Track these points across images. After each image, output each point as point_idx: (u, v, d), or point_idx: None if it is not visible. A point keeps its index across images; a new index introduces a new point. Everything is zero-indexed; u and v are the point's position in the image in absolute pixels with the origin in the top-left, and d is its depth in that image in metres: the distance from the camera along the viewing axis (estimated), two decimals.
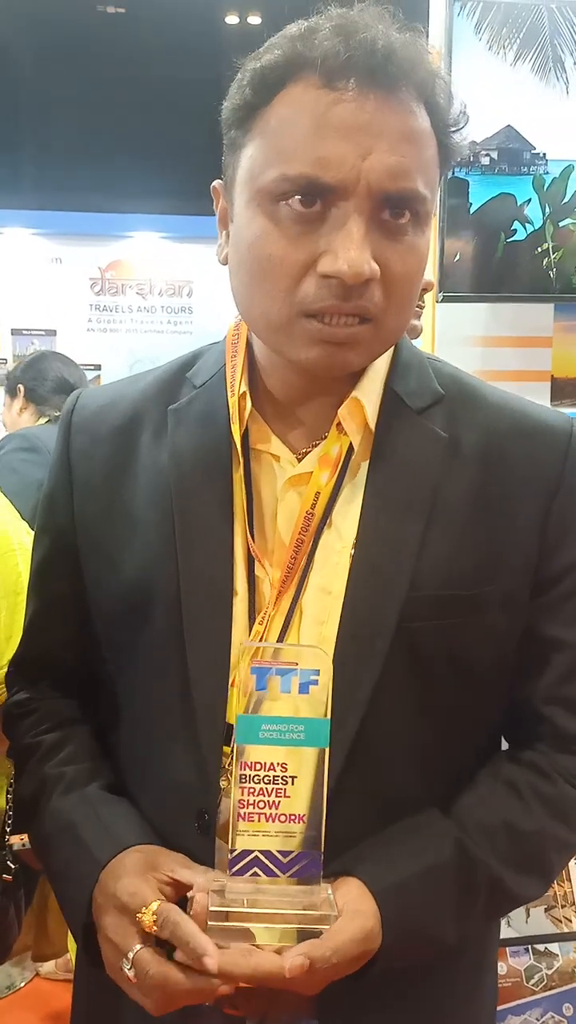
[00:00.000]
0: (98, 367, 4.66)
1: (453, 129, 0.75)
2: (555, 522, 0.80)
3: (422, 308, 1.51)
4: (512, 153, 1.83)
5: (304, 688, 0.70)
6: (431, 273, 1.94)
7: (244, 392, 0.81)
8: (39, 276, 4.86)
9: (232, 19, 5.05)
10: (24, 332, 4.87)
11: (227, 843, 0.76)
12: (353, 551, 0.77)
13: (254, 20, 4.98)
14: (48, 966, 2.47)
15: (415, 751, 0.78)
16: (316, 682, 0.70)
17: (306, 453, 0.81)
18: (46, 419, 2.49)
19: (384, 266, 0.71)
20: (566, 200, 1.87)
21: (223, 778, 0.76)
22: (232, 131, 0.75)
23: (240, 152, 0.74)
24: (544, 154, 1.85)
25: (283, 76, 0.70)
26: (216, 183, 0.80)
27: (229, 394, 0.82)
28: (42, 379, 2.53)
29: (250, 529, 0.79)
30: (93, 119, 5.62)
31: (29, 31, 5.68)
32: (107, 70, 5.55)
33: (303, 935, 0.67)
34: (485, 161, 1.81)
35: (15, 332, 4.88)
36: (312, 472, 0.79)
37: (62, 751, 0.85)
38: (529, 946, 1.53)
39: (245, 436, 0.81)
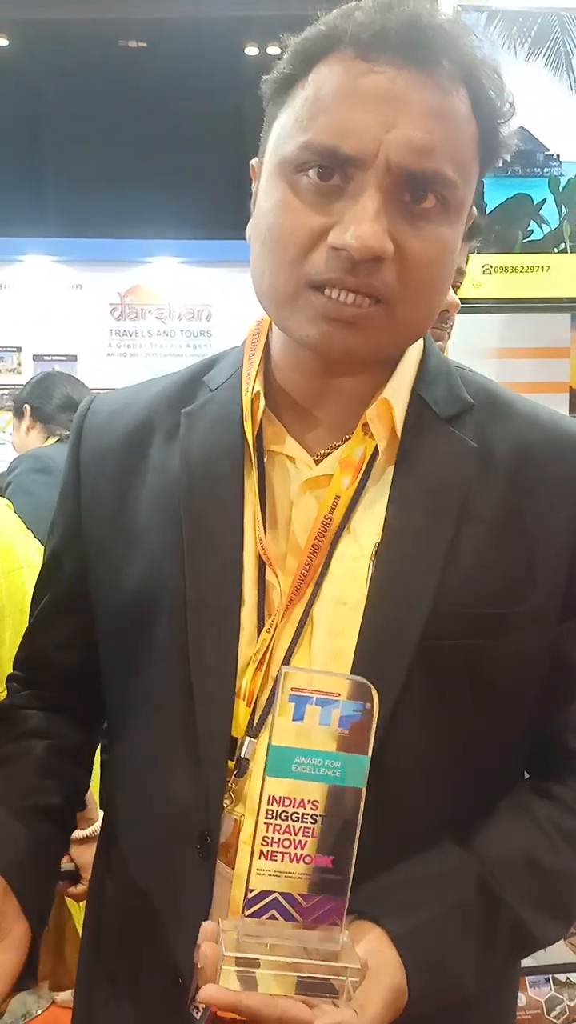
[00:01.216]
0: None
1: (500, 121, 0.71)
2: None
3: (448, 330, 1.47)
4: (526, 155, 1.80)
5: (345, 722, 0.65)
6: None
7: (258, 392, 0.78)
8: (60, 302, 4.90)
9: (251, 50, 5.10)
10: (46, 358, 4.90)
11: (229, 866, 0.72)
12: (373, 560, 0.73)
13: (273, 51, 5.02)
14: (65, 995, 2.43)
15: (433, 777, 0.74)
16: (358, 716, 0.65)
17: (324, 456, 0.77)
18: (56, 438, 2.48)
19: (401, 248, 0.67)
20: None
21: (227, 796, 0.73)
22: (269, 105, 0.73)
23: (272, 125, 0.72)
24: (558, 156, 1.81)
25: (321, 49, 0.68)
26: (254, 161, 0.78)
27: (244, 393, 0.79)
28: (48, 397, 2.52)
29: (262, 534, 0.76)
30: (112, 148, 5.69)
31: (52, 64, 5.78)
32: (127, 101, 5.63)
33: (320, 986, 0.63)
34: (498, 163, 1.80)
35: (36, 358, 4.91)
36: (331, 475, 0.76)
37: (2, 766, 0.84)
38: (550, 976, 1.46)
39: (259, 437, 0.78)
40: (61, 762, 0.86)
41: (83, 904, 1.04)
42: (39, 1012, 2.45)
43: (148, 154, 5.59)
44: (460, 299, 1.47)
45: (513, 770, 0.81)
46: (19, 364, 4.89)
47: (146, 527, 0.79)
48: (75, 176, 5.78)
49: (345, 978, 0.63)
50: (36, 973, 0.76)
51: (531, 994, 1.43)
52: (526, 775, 0.83)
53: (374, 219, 0.65)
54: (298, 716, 0.64)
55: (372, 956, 0.66)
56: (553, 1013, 1.45)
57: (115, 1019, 0.81)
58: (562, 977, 1.46)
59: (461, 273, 1.43)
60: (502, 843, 0.75)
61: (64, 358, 4.91)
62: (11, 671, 0.95)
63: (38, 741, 0.86)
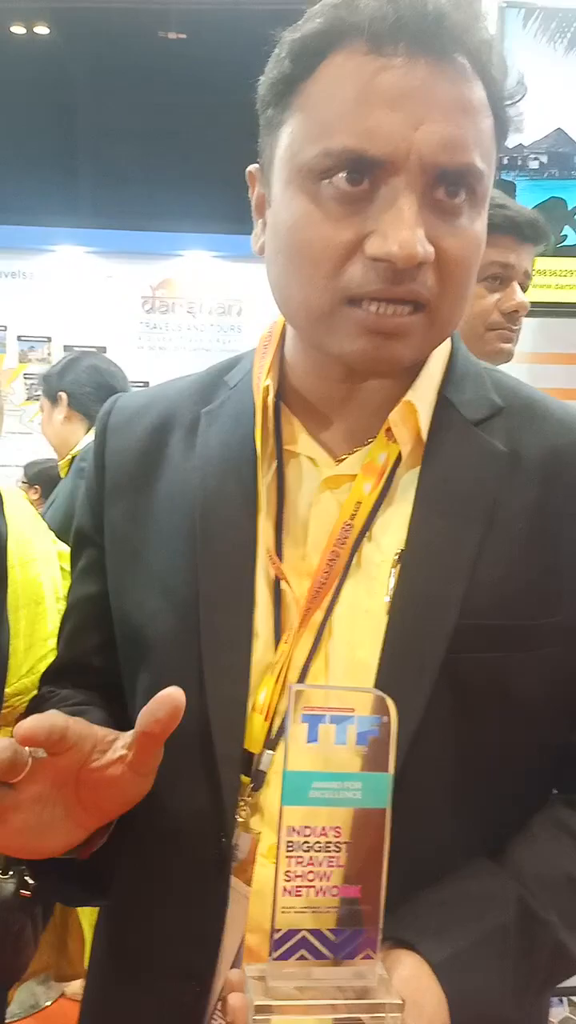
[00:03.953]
0: (147, 384, 4.66)
1: (509, 103, 0.69)
2: None
3: (518, 332, 1.43)
4: (562, 157, 1.76)
5: (363, 739, 0.62)
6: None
7: (267, 387, 0.75)
8: (91, 293, 4.89)
9: None
10: (76, 349, 4.90)
11: (247, 884, 0.69)
12: (396, 567, 0.70)
13: None
14: (74, 986, 2.43)
15: (460, 795, 0.71)
16: (376, 732, 0.62)
17: (344, 459, 0.75)
18: None
19: (438, 248, 0.64)
20: None
21: (243, 809, 0.70)
22: (269, 109, 0.69)
23: (278, 131, 0.68)
24: None
25: (326, 44, 0.64)
26: (252, 168, 0.74)
27: (255, 390, 0.76)
28: (80, 384, 2.39)
29: (278, 536, 0.73)
30: (148, 139, 5.69)
31: (91, 54, 5.79)
32: (164, 92, 5.62)
33: None
34: (534, 165, 1.74)
35: (67, 349, 4.91)
36: (352, 476, 0.73)
37: (69, 700, 0.81)
38: (565, 998, 1.44)
39: (277, 436, 0.75)
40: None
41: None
42: (48, 1004, 2.47)
43: (183, 146, 5.58)
44: None
45: (543, 785, 0.78)
46: (49, 354, 4.90)
47: (162, 526, 0.77)
48: (109, 167, 5.78)
49: (384, 1014, 0.59)
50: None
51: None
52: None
53: (414, 224, 0.62)
54: (312, 737, 0.61)
55: (412, 989, 0.63)
56: None
57: (133, 989, 0.78)
58: None
59: (528, 276, 1.40)
60: (539, 860, 0.71)
61: (94, 350, 4.91)
62: (44, 674, 0.92)
63: (96, 708, 0.83)
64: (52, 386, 2.43)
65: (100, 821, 0.68)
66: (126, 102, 5.82)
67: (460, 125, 0.63)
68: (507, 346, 1.41)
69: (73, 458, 2.33)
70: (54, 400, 2.42)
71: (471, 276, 0.69)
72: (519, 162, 1.71)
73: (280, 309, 0.73)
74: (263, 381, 0.76)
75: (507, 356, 1.44)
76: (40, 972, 2.32)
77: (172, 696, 0.62)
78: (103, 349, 4.89)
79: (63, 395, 2.40)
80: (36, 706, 0.88)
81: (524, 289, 1.40)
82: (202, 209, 5.06)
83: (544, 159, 1.72)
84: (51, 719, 0.61)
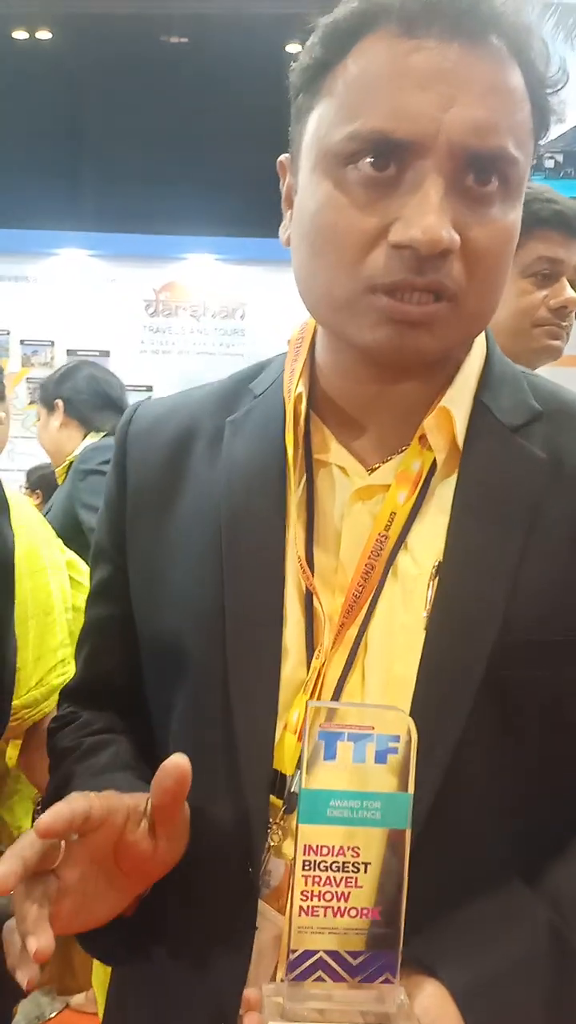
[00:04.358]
0: (150, 388, 4.65)
1: (550, 91, 0.66)
2: None
3: (568, 327, 1.39)
4: None
5: (381, 757, 0.60)
6: None
7: (300, 393, 0.73)
8: (94, 297, 4.89)
9: (293, 48, 5.05)
10: (79, 353, 4.89)
11: (281, 913, 0.67)
12: (434, 580, 0.68)
13: None
14: (78, 998, 2.41)
15: (499, 817, 0.68)
16: (396, 750, 0.60)
17: (376, 469, 0.72)
18: (103, 433, 2.40)
19: (465, 237, 0.62)
20: None
21: (275, 833, 0.68)
22: (300, 96, 0.67)
23: (308, 116, 0.67)
24: None
25: (358, 28, 0.63)
26: (283, 157, 0.72)
27: (286, 398, 0.74)
28: (78, 391, 2.39)
29: (309, 549, 0.71)
30: (150, 143, 5.68)
31: (93, 58, 5.79)
32: (167, 96, 5.62)
33: None
34: (549, 164, 1.72)
35: (70, 353, 4.90)
36: (386, 486, 0.70)
37: (101, 751, 0.78)
38: None
39: (307, 445, 0.73)
40: (141, 755, 0.80)
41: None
42: (52, 1015, 2.44)
43: (186, 150, 5.58)
44: None
45: None
46: (52, 358, 4.89)
47: (186, 539, 0.75)
48: (112, 170, 5.78)
49: None
50: None
51: None
52: None
53: (440, 210, 0.60)
54: (330, 755, 0.59)
55: (432, 1018, 0.60)
56: None
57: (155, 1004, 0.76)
58: None
59: None
60: (574, 884, 0.68)
61: (97, 353, 4.90)
62: (63, 692, 0.90)
63: (126, 735, 0.81)
64: (49, 394, 2.44)
65: (145, 885, 0.68)
66: (128, 106, 5.81)
67: (493, 108, 0.61)
68: (555, 343, 1.38)
69: (71, 464, 2.32)
70: (51, 407, 2.42)
71: (502, 269, 0.66)
72: (534, 161, 1.69)
73: (303, 300, 0.70)
74: (294, 387, 0.73)
75: (555, 353, 1.40)
76: (45, 984, 2.31)
77: (177, 765, 0.61)
78: (106, 353, 4.88)
79: (59, 402, 2.40)
80: (58, 729, 0.85)
81: (575, 286, 1.37)
82: (205, 212, 5.06)
83: (560, 158, 1.70)
84: (71, 808, 0.60)
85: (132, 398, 2.38)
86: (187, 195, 5.19)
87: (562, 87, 0.67)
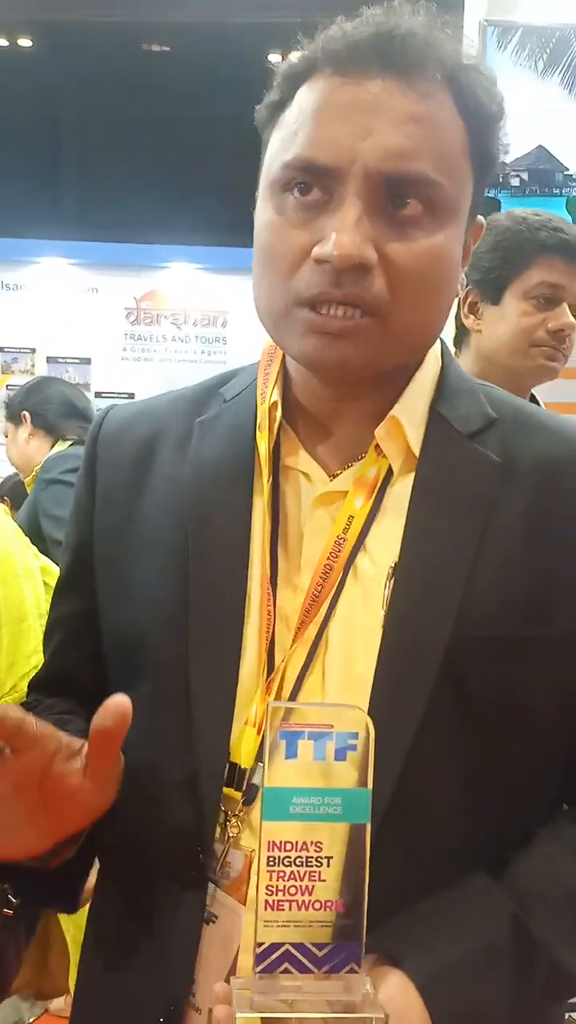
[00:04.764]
0: (131, 396, 4.66)
1: (489, 119, 0.70)
2: None
3: (567, 350, 1.44)
4: (543, 174, 1.80)
5: (341, 754, 0.62)
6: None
7: (275, 402, 0.76)
8: (75, 305, 4.90)
9: (275, 57, 5.10)
10: (60, 360, 4.90)
11: (241, 903, 0.69)
12: (391, 580, 0.70)
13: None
14: (57, 1003, 2.40)
15: (459, 810, 0.70)
16: (355, 747, 0.62)
17: (338, 474, 0.75)
18: (69, 442, 2.42)
19: (386, 255, 0.66)
20: None
21: (232, 827, 0.70)
22: (263, 132, 0.74)
23: (264, 152, 0.73)
24: None
25: (305, 71, 0.69)
26: None
27: (259, 403, 0.77)
28: (47, 403, 2.44)
29: (273, 550, 0.73)
30: (131, 152, 5.70)
31: (74, 66, 5.80)
32: (148, 105, 5.64)
33: None
34: (515, 182, 1.77)
35: (51, 360, 4.91)
36: (345, 492, 0.73)
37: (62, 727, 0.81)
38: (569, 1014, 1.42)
39: (276, 451, 0.76)
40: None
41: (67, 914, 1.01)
42: (31, 1020, 2.43)
43: (167, 159, 5.60)
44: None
45: (548, 799, 0.77)
46: (32, 366, 4.89)
47: (153, 536, 0.77)
48: (93, 179, 5.79)
49: None
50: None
51: None
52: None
53: (354, 228, 0.65)
54: (291, 753, 0.61)
55: (396, 1006, 0.62)
56: None
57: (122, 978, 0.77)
58: None
59: None
60: (538, 876, 0.71)
61: (78, 361, 4.91)
62: (30, 683, 0.91)
63: (78, 717, 0.82)
64: (15, 408, 2.48)
65: (63, 831, 0.68)
66: (110, 114, 5.83)
67: (410, 135, 0.65)
68: (552, 364, 1.44)
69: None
70: (17, 421, 2.46)
71: (430, 287, 0.69)
72: (501, 179, 1.74)
73: (258, 315, 0.75)
74: (269, 395, 0.77)
75: (552, 373, 1.46)
76: (23, 989, 2.30)
77: (118, 704, 0.63)
78: (87, 360, 4.89)
79: (26, 414, 2.45)
80: None
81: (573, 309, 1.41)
82: (187, 221, 5.08)
83: (525, 176, 1.75)
84: (5, 709, 0.62)
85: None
86: (169, 204, 5.21)
87: (503, 117, 0.71)
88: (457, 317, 1.48)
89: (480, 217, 0.75)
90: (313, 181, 0.67)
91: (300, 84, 0.69)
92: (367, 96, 0.65)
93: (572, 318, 1.40)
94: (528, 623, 0.70)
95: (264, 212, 0.70)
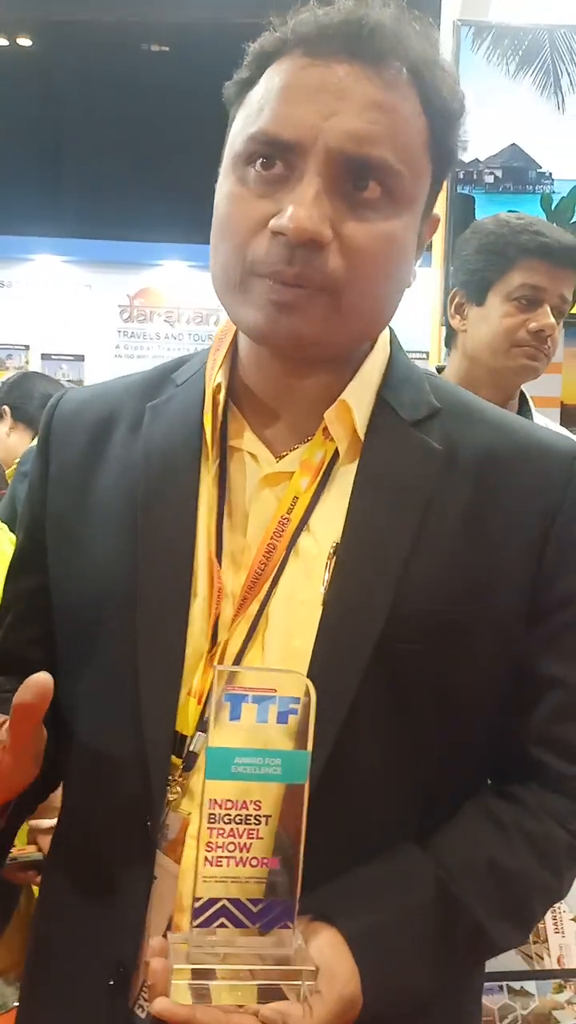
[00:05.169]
0: None
1: (451, 118, 0.72)
2: (553, 549, 0.75)
3: (548, 351, 1.48)
4: (517, 172, 1.80)
5: (282, 718, 0.64)
6: (437, 296, 1.89)
7: (219, 384, 0.78)
8: (69, 303, 4.92)
9: None
10: (53, 357, 4.92)
11: (177, 863, 0.71)
12: (332, 560, 0.72)
13: None
14: None
15: (392, 779, 0.73)
16: (296, 711, 0.65)
17: (285, 456, 0.77)
18: None
19: (342, 235, 0.67)
20: (575, 219, 1.84)
21: (174, 791, 0.72)
22: (231, 109, 0.75)
23: (229, 128, 0.74)
24: (550, 173, 1.81)
25: (273, 51, 0.70)
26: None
27: (206, 386, 0.79)
28: (28, 397, 2.51)
29: (218, 529, 0.76)
30: (127, 150, 5.71)
31: (73, 66, 5.82)
32: (145, 105, 5.66)
33: (276, 993, 0.62)
34: (489, 179, 1.79)
35: (45, 357, 4.93)
36: (291, 473, 0.75)
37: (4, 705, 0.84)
38: (504, 983, 1.44)
39: (223, 432, 0.78)
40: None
41: None
42: (16, 1004, 2.43)
43: (162, 157, 5.61)
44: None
45: (476, 774, 0.80)
46: (27, 362, 4.91)
47: (105, 516, 0.79)
48: (88, 177, 5.80)
49: (300, 982, 0.62)
50: None
51: (484, 1002, 1.42)
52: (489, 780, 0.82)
53: (311, 203, 0.66)
54: (235, 715, 0.63)
55: (326, 958, 0.65)
56: (506, 1021, 1.43)
57: (57, 1015, 0.80)
58: (516, 985, 1.44)
59: (565, 300, 1.45)
60: (463, 845, 0.74)
61: (71, 358, 4.93)
62: None
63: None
64: None
65: None
66: (107, 113, 5.85)
67: (373, 121, 0.67)
68: (532, 363, 1.47)
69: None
70: None
71: (383, 270, 0.71)
72: (475, 176, 1.76)
73: (213, 284, 0.75)
74: (214, 377, 0.78)
75: (533, 373, 1.49)
76: (6, 973, 2.31)
77: (39, 682, 0.64)
78: (81, 357, 4.91)
79: (6, 408, 2.52)
80: None
81: (562, 313, 1.45)
82: (180, 220, 5.09)
83: (499, 173, 1.77)
84: None
85: None
86: (162, 202, 5.22)
87: (464, 114, 0.73)
88: (446, 317, 1.52)
89: (436, 212, 0.77)
90: (276, 155, 0.68)
91: (269, 64, 0.70)
92: (334, 79, 0.67)
93: (553, 319, 1.44)
94: (463, 606, 0.73)
95: (225, 184, 0.71)
